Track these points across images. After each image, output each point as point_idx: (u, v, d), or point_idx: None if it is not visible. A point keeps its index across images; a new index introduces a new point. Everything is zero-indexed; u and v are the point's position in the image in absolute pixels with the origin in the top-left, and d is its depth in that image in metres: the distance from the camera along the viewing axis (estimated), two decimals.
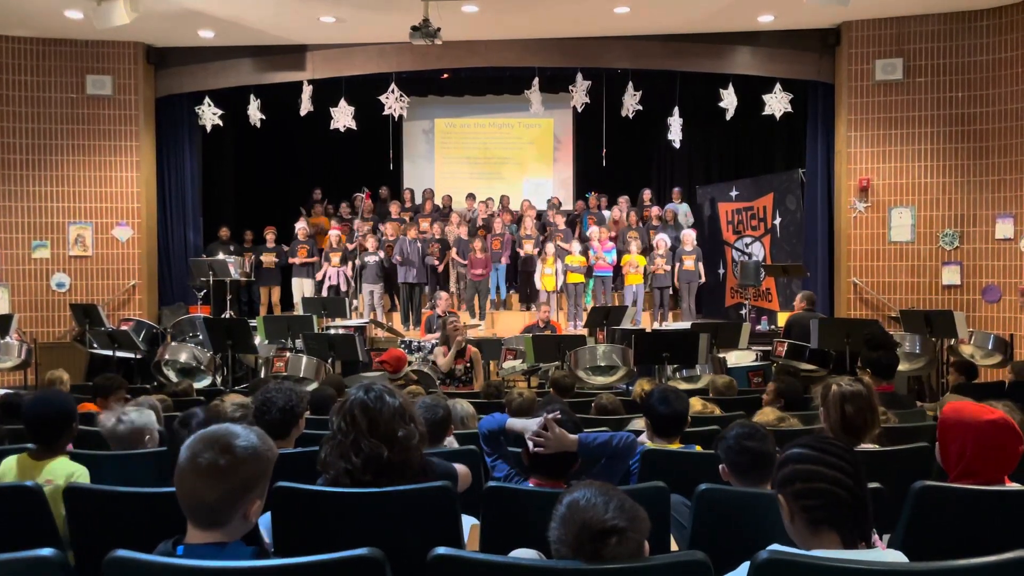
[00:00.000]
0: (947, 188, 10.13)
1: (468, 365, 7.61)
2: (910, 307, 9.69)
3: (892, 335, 6.14)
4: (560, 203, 13.49)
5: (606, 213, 13.00)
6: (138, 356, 8.85)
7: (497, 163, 14.97)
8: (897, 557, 1.98)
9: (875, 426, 3.16)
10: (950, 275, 10.11)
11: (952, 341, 7.88)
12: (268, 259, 11.79)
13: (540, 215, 12.97)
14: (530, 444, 2.70)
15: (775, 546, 1.91)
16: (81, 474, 3.11)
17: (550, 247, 11.50)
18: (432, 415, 3.36)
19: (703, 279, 11.72)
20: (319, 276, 11.75)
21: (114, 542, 1.95)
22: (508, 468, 2.77)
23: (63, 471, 3.10)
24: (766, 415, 4.13)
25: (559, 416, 2.71)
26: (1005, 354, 7.89)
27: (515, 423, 2.78)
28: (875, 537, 1.94)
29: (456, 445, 3.54)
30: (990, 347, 7.91)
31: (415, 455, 2.52)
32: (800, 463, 1.88)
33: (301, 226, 12.04)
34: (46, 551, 1.79)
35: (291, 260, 11.77)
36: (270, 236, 12.03)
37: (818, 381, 3.77)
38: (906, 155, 10.23)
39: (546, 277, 11.41)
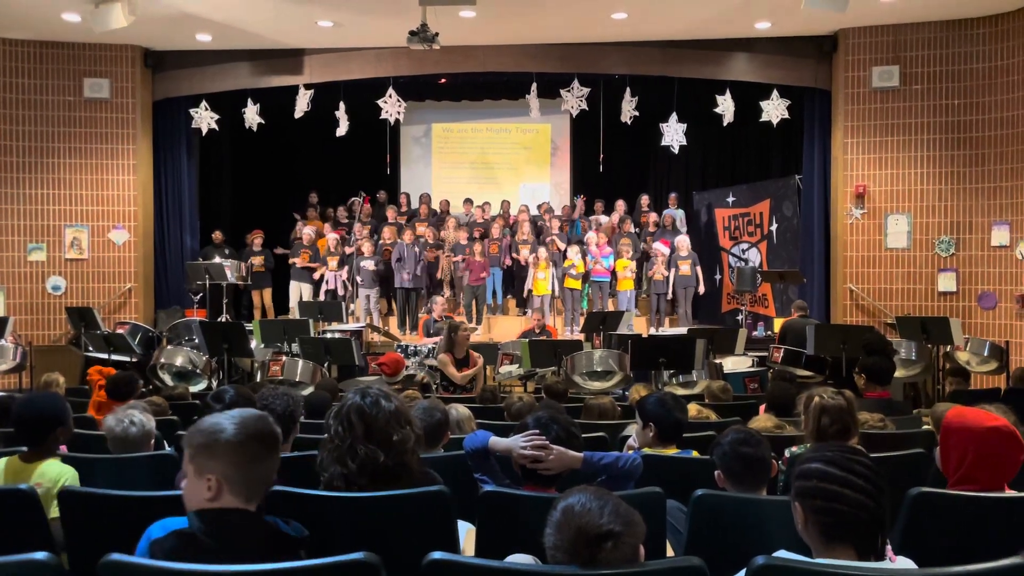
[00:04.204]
0: (943, 195, 10.15)
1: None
2: (906, 314, 9.70)
3: (890, 342, 6.15)
4: (551, 207, 13.47)
5: (603, 218, 13.01)
6: (133, 359, 8.82)
7: (494, 168, 14.97)
8: (906, 564, 1.98)
9: (851, 436, 3.27)
10: (946, 282, 10.13)
11: (948, 348, 7.90)
12: (257, 262, 11.81)
13: (536, 220, 12.97)
14: (524, 463, 2.67)
15: (782, 552, 1.91)
16: (70, 476, 3.10)
17: (543, 252, 11.50)
18: (429, 418, 3.36)
19: (701, 286, 11.70)
20: (316, 276, 11.74)
21: (109, 546, 1.94)
22: (496, 484, 2.74)
23: (52, 473, 3.09)
24: (761, 421, 4.14)
25: (537, 440, 2.64)
26: (1001, 361, 7.90)
27: (498, 443, 2.74)
28: (888, 549, 1.93)
29: None
30: (986, 354, 7.92)
31: (411, 459, 2.52)
32: (824, 481, 1.84)
33: (307, 231, 12.05)
34: (39, 555, 1.79)
35: (291, 260, 11.76)
36: (258, 240, 12.04)
37: (814, 387, 3.80)
38: (902, 162, 10.27)
39: (539, 282, 11.41)
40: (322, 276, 11.77)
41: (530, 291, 11.55)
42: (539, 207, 13.45)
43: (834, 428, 3.23)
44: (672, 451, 3.31)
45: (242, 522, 1.90)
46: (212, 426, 1.95)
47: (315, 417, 4.34)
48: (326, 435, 2.56)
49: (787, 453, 3.43)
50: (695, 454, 3.33)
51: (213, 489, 1.90)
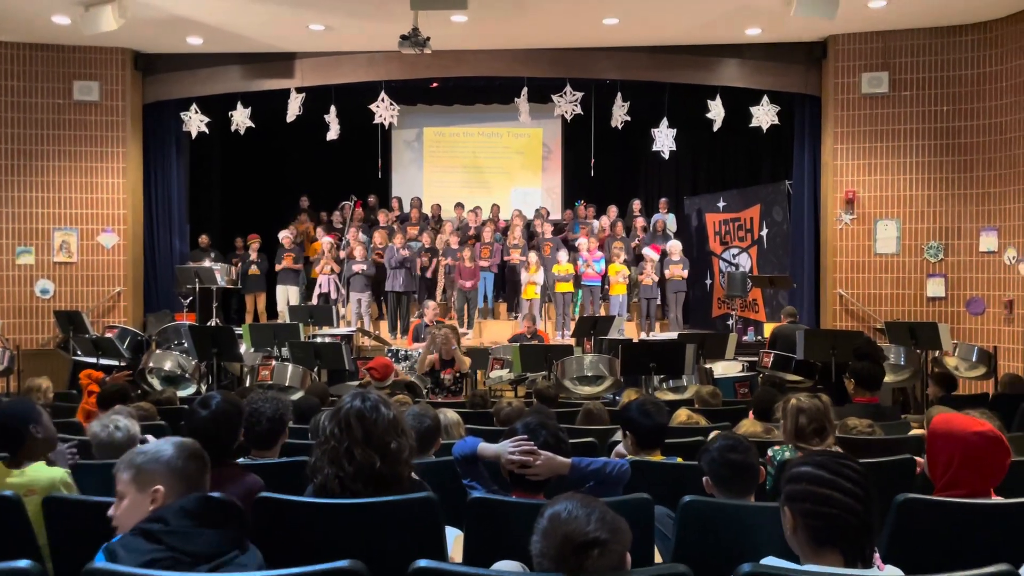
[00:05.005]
0: (932, 201, 10.21)
1: (457, 375, 7.58)
2: (895, 319, 9.74)
3: (880, 347, 6.17)
4: (548, 213, 13.49)
5: (595, 223, 13.02)
6: (122, 364, 8.78)
7: (486, 172, 14.98)
8: (894, 573, 1.98)
9: (828, 436, 3.43)
10: (935, 287, 10.18)
11: (936, 353, 7.93)
12: (253, 266, 11.82)
13: (528, 224, 12.98)
14: (512, 469, 2.67)
15: (770, 558, 1.91)
16: (62, 478, 3.07)
17: (533, 256, 11.51)
18: (420, 424, 3.35)
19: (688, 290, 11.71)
20: (317, 269, 11.71)
21: (94, 553, 1.93)
22: (484, 491, 2.74)
23: (44, 478, 3.06)
24: (748, 426, 4.15)
25: (524, 445, 2.65)
26: (989, 366, 7.94)
27: (487, 448, 2.74)
28: (876, 556, 1.94)
29: None
30: (974, 359, 7.96)
31: (405, 468, 2.51)
32: (814, 484, 1.86)
33: (286, 234, 12.03)
34: (22, 563, 1.77)
35: (277, 267, 11.75)
36: (255, 244, 12.01)
37: (799, 392, 3.84)
38: (892, 168, 10.32)
39: (529, 285, 11.42)
40: (312, 279, 11.74)
41: (522, 296, 11.57)
42: (536, 211, 13.46)
43: (812, 427, 3.38)
44: (657, 457, 3.31)
45: (193, 504, 1.99)
46: (153, 448, 2.20)
47: (305, 422, 4.33)
48: (320, 437, 2.55)
49: (770, 452, 3.46)
50: (679, 460, 3.34)
51: (159, 500, 2.06)
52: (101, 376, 5.66)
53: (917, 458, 3.05)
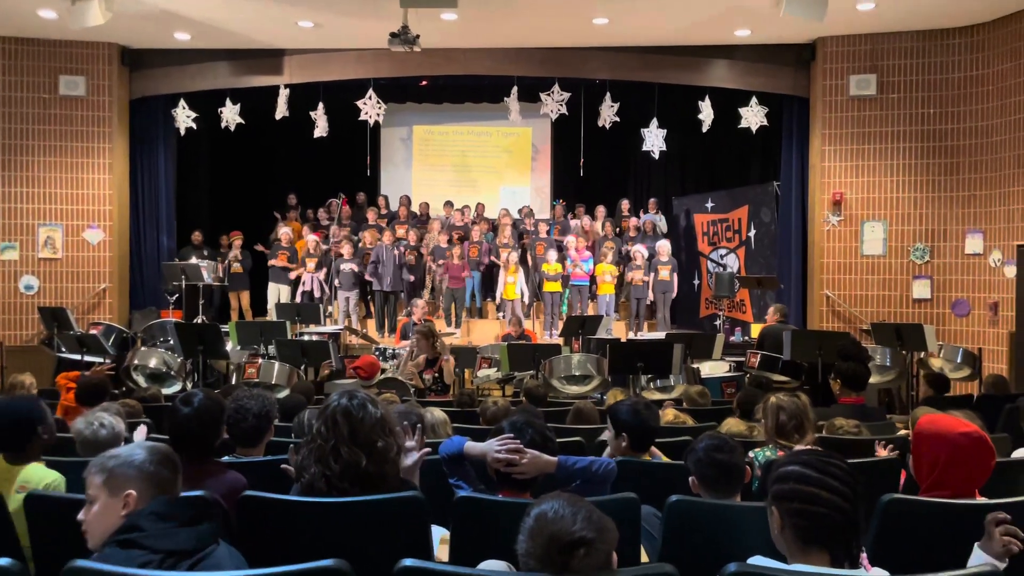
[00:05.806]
0: (919, 203, 10.27)
1: (437, 375, 7.57)
2: (881, 320, 9.79)
3: (865, 347, 6.20)
4: (532, 211, 13.46)
5: (575, 223, 12.98)
6: (104, 360, 8.71)
7: (475, 171, 14.96)
8: (880, 574, 1.99)
9: (807, 433, 3.51)
10: (921, 289, 10.24)
11: (922, 354, 7.97)
12: (236, 264, 11.77)
13: (516, 223, 12.96)
14: (498, 468, 2.66)
15: (756, 558, 1.91)
16: (56, 481, 3.05)
17: (513, 255, 11.50)
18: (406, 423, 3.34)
19: (674, 291, 11.74)
20: (292, 276, 11.66)
21: (76, 551, 1.92)
22: (471, 490, 2.73)
23: (39, 478, 3.04)
24: (731, 425, 4.17)
25: (510, 444, 2.65)
26: (974, 367, 7.99)
27: (473, 447, 2.74)
28: (863, 556, 1.94)
29: None
30: (959, 360, 8.01)
31: (392, 468, 2.50)
32: (801, 483, 1.87)
33: (286, 231, 11.98)
34: (3, 561, 1.75)
35: (271, 262, 11.68)
36: (237, 241, 11.95)
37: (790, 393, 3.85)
38: (879, 170, 10.37)
39: (508, 285, 11.41)
40: (299, 277, 11.69)
41: (502, 296, 11.59)
42: (520, 211, 13.44)
43: (792, 424, 3.47)
44: (645, 457, 3.31)
45: (163, 506, 1.98)
46: (125, 452, 2.15)
47: (290, 421, 4.30)
48: (307, 435, 2.54)
49: (751, 454, 3.47)
50: (664, 459, 3.34)
51: (131, 504, 2.02)
52: (78, 375, 5.61)
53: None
